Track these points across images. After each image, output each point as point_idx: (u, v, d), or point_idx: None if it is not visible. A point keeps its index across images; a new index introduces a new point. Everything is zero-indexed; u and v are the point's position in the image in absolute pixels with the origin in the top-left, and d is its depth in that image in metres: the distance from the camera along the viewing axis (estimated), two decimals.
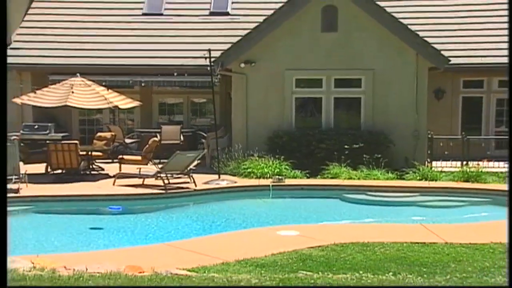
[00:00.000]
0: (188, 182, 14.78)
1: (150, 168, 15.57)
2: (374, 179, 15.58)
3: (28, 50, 21.35)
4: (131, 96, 18.73)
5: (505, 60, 20.14)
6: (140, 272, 6.85)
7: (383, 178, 15.66)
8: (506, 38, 20.88)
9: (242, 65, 17.78)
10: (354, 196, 14.43)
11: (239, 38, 18.03)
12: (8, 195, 13.10)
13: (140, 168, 15.39)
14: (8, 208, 12.82)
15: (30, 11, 23.00)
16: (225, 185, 14.97)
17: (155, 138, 17.91)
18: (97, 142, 18.86)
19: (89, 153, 16.79)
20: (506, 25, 21.54)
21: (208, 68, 16.41)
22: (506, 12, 22.18)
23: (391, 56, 17.60)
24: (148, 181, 14.69)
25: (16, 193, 13.38)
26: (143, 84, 21.43)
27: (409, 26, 17.80)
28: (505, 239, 9.38)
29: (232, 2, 23.14)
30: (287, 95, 17.91)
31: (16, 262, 7.19)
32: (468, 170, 16.06)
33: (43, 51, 21.28)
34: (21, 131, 19.56)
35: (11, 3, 21.68)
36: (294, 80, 17.95)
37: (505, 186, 14.99)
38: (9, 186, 13.61)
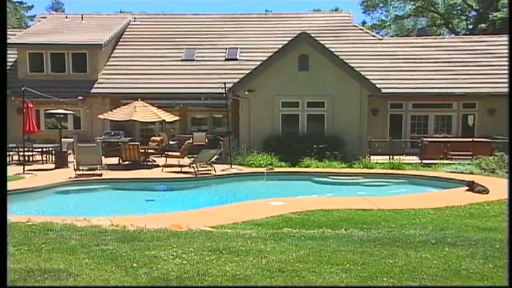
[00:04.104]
0: (210, 170, 14.80)
1: (186, 161, 15.63)
2: (333, 167, 15.60)
3: (108, 84, 21.55)
4: (173, 113, 18.85)
5: (415, 90, 20.41)
6: (180, 228, 6.92)
7: (339, 167, 15.68)
8: (418, 75, 21.17)
9: (246, 92, 17.85)
10: (320, 179, 14.45)
11: (244, 75, 18.14)
12: (94, 178, 13.31)
13: (179, 161, 15.47)
14: (94, 186, 12.98)
15: (110, 59, 23.13)
16: (235, 172, 15.00)
17: (189, 141, 18.03)
18: (151, 143, 18.97)
19: (146, 150, 16.84)
20: (417, 67, 21.75)
21: (224, 94, 16.52)
22: (418, 58, 22.38)
23: (343, 87, 17.65)
24: (184, 169, 14.71)
25: (100, 176, 13.49)
26: (181, 105, 21.59)
27: (355, 68, 17.98)
28: (416, 206, 9.46)
29: (240, 52, 23.25)
30: (275, 112, 17.95)
31: (101, 221, 7.25)
32: (393, 161, 16.19)
33: (118, 84, 21.48)
34: (103, 136, 19.68)
35: (99, 55, 21.86)
36: (280, 102, 17.96)
37: (416, 172, 15.13)
38: (95, 172, 13.74)
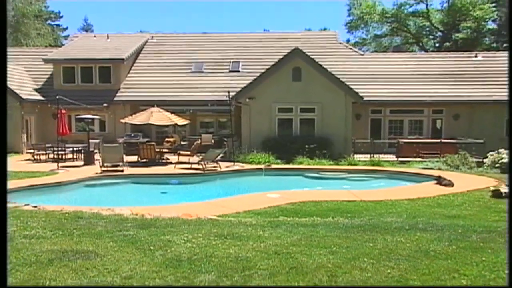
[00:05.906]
0: (216, 167, 14.75)
1: (195, 159, 15.58)
2: (322, 165, 15.52)
3: (129, 93, 21.39)
4: (184, 117, 18.74)
5: (393, 98, 20.36)
6: (190, 217, 6.93)
7: (327, 164, 15.63)
8: (394, 86, 21.16)
9: (247, 100, 17.80)
10: (311, 175, 14.34)
11: (245, 85, 18.07)
12: (116, 173, 13.27)
13: (189, 159, 15.42)
14: (117, 180, 12.91)
15: (131, 71, 22.94)
16: (238, 168, 14.94)
17: (198, 141, 17.99)
18: (165, 143, 18.95)
19: (161, 150, 16.78)
20: (394, 79, 21.74)
21: (228, 101, 16.49)
22: (395, 71, 22.37)
23: (331, 95, 17.60)
24: (194, 166, 14.69)
25: (122, 172, 13.45)
26: (191, 111, 21.54)
27: (341, 79, 17.93)
28: (393, 197, 9.44)
29: (242, 65, 23.19)
30: (273, 117, 17.89)
31: (123, 211, 7.26)
32: (373, 159, 16.12)
33: (137, 93, 21.33)
34: (124, 137, 19.59)
35: (121, 68, 21.80)
36: (277, 108, 17.90)
37: (393, 168, 15.07)
38: (117, 168, 13.71)
